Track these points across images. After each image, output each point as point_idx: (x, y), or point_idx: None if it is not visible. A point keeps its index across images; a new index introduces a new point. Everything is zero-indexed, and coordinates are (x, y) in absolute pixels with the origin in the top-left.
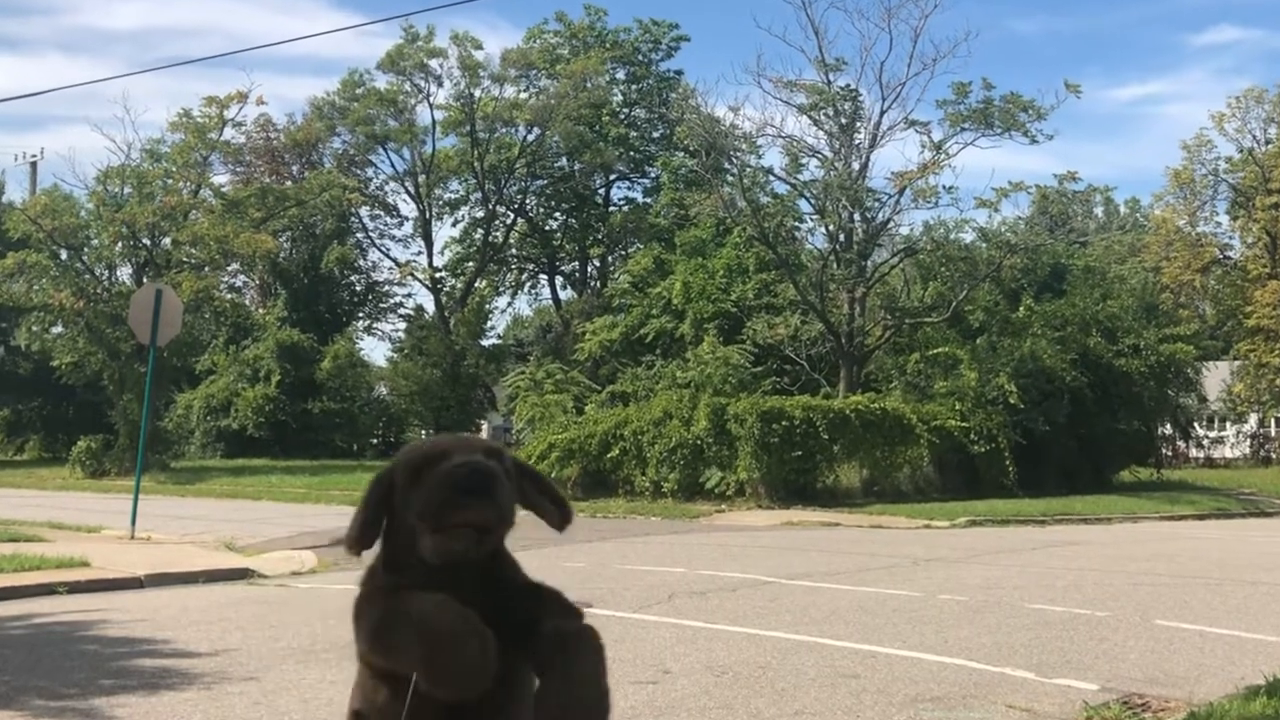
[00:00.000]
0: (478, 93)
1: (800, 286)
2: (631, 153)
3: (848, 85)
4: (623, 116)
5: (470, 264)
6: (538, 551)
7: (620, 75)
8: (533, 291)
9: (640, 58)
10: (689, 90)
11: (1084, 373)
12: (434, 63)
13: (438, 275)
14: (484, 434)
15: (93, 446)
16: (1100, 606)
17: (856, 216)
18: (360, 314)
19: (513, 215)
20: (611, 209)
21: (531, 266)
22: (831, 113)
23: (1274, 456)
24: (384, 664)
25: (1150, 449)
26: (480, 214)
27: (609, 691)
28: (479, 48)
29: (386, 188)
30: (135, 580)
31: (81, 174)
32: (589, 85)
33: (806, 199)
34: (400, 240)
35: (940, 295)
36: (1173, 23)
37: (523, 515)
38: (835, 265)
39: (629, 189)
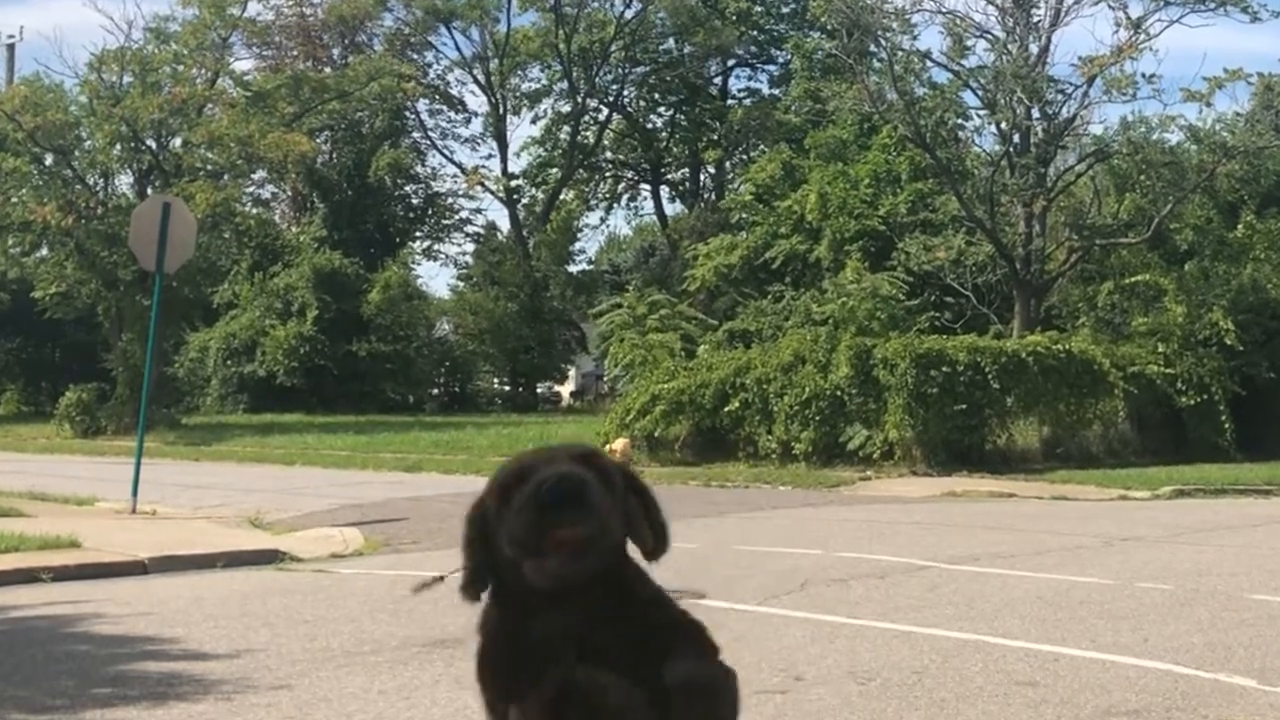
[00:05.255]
0: None
1: (965, 199)
2: (755, 33)
3: None
4: None
5: (554, 171)
6: None
7: None
8: (632, 205)
9: None
10: None
11: None
12: None
13: (513, 185)
14: (570, 382)
15: (84, 398)
16: None
17: (1035, 112)
18: (418, 233)
19: (607, 110)
20: (730, 102)
21: (630, 174)
22: None
23: None
24: None
25: None
26: (566, 108)
27: None
28: None
29: (450, 76)
30: (137, 565)
31: (71, 59)
32: None
33: (972, 90)
34: (467, 142)
35: (1139, 210)
36: None
37: None
38: (1008, 172)
39: (751, 78)
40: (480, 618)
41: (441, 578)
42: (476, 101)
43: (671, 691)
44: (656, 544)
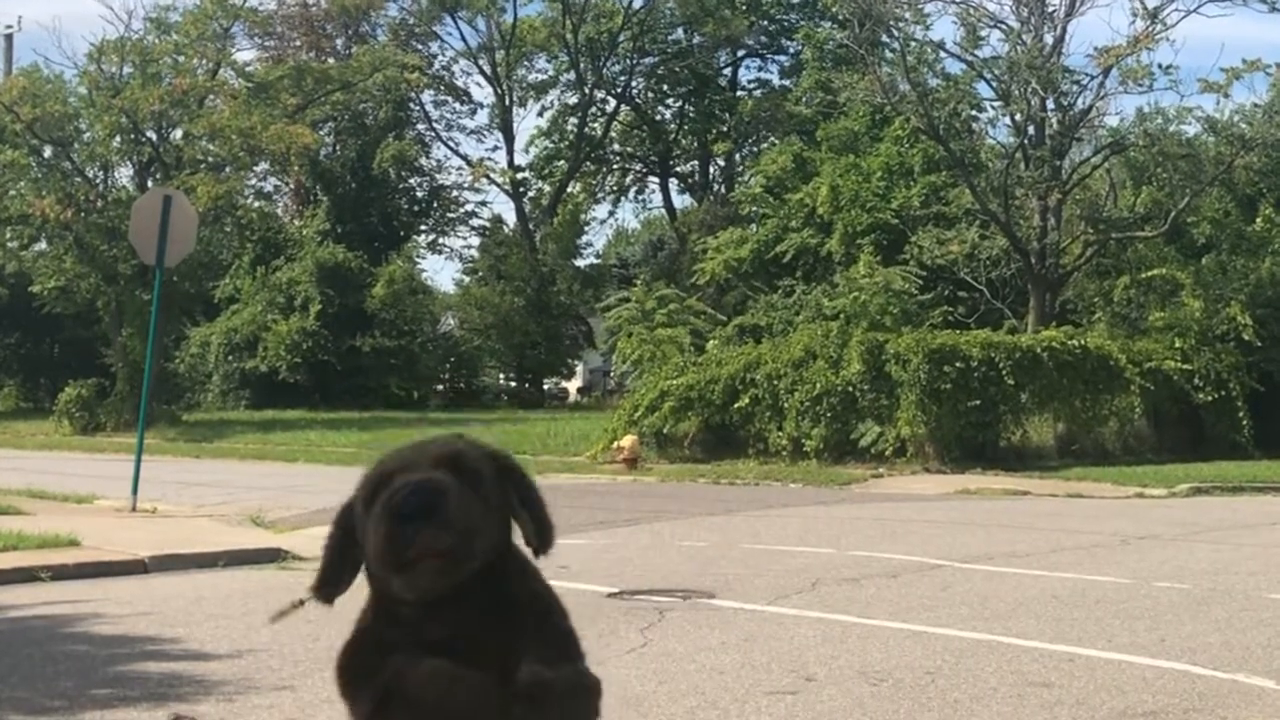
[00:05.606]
0: None
1: (979, 192)
2: (765, 23)
3: None
4: None
5: (561, 163)
6: (649, 527)
7: None
8: (640, 198)
9: None
10: None
11: None
12: None
13: (520, 177)
14: (577, 378)
15: (84, 394)
16: None
17: (1050, 103)
18: (422, 227)
19: (615, 101)
20: (740, 94)
21: (639, 166)
22: None
23: None
24: None
25: None
26: (574, 100)
27: None
28: None
29: (455, 67)
30: (137, 563)
31: (70, 49)
32: None
33: (987, 81)
34: (473, 133)
35: (1156, 203)
36: None
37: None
38: (1023, 165)
39: (761, 69)
40: (358, 618)
41: (303, 602)
42: (482, 93)
43: (515, 696)
44: (540, 538)
